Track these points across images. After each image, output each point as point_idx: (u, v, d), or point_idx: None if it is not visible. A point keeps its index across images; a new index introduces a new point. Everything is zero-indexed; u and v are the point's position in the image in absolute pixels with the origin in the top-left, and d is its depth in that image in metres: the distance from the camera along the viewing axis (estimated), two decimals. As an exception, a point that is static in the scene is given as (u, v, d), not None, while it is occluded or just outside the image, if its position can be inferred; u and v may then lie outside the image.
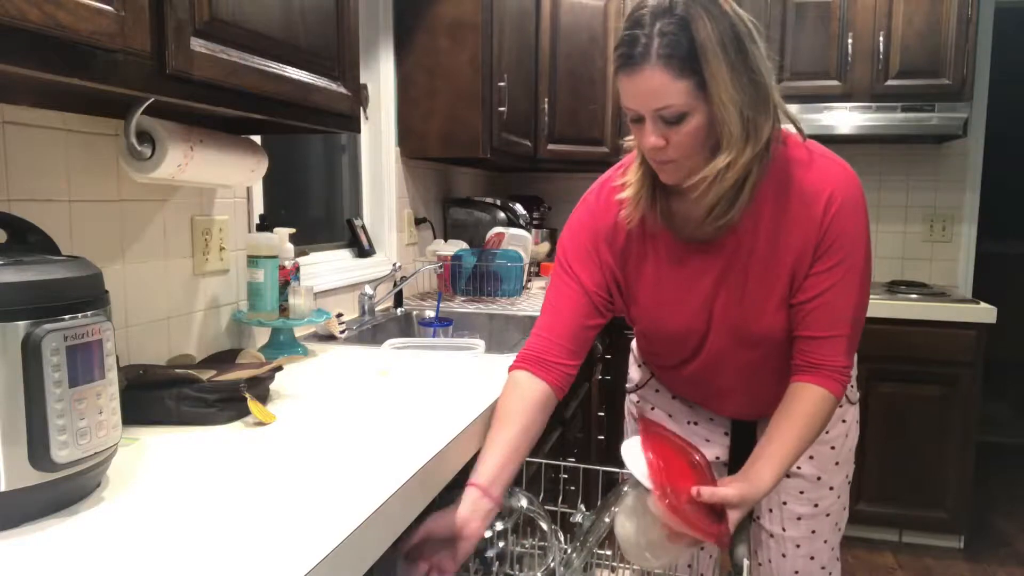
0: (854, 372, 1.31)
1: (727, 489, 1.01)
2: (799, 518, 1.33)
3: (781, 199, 1.10)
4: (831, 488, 1.33)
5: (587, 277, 1.23)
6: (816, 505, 1.33)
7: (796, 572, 1.35)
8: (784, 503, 1.34)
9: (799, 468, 1.32)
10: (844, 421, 1.33)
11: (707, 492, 0.99)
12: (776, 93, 1.04)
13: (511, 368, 1.22)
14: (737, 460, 1.35)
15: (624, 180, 1.18)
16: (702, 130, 1.00)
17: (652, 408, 1.47)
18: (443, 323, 1.97)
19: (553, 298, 1.28)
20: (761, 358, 1.22)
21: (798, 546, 1.34)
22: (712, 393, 1.34)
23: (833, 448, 1.32)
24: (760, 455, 1.08)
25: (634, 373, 1.54)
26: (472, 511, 1.04)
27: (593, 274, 1.23)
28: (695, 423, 1.43)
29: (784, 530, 1.34)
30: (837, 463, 1.33)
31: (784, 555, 1.35)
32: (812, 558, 1.34)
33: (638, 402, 1.51)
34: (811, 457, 1.32)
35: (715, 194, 1.05)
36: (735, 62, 0.97)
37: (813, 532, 1.33)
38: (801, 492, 1.33)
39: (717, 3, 0.97)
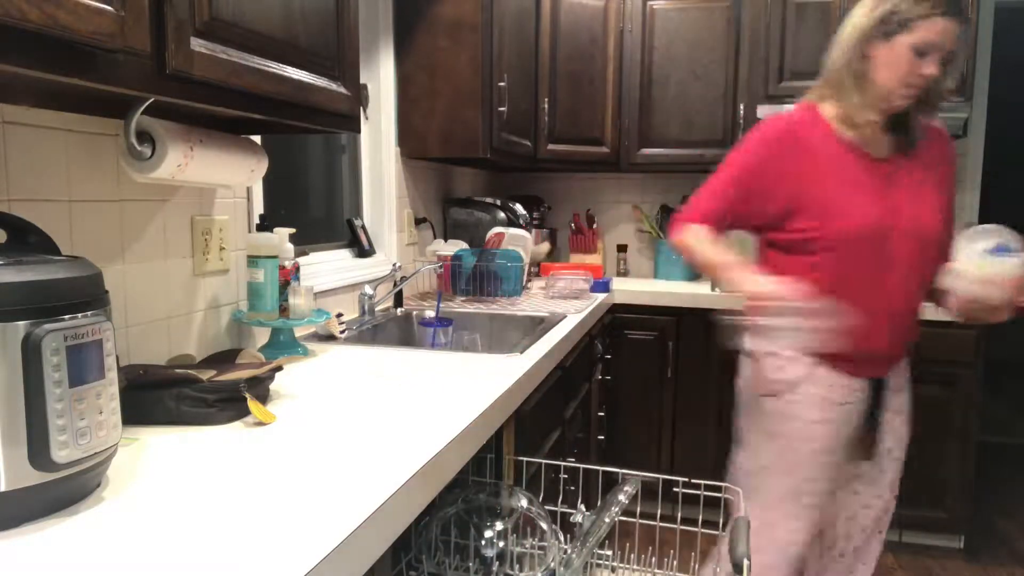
0: None
1: None
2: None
3: (934, 133, 1.62)
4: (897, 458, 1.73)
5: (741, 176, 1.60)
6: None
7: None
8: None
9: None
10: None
11: None
12: None
13: (684, 221, 1.62)
14: (871, 419, 1.63)
15: (832, 113, 1.57)
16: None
17: (794, 402, 1.58)
18: (443, 323, 1.97)
19: (714, 183, 1.62)
20: (931, 265, 1.57)
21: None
22: (874, 308, 1.54)
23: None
24: None
25: (789, 370, 1.58)
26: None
27: (763, 185, 1.57)
28: (846, 403, 1.58)
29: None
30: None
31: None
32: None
33: (780, 405, 1.59)
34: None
35: (927, 108, 1.54)
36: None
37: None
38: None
39: None
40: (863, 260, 1.52)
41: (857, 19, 1.50)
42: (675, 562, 1.23)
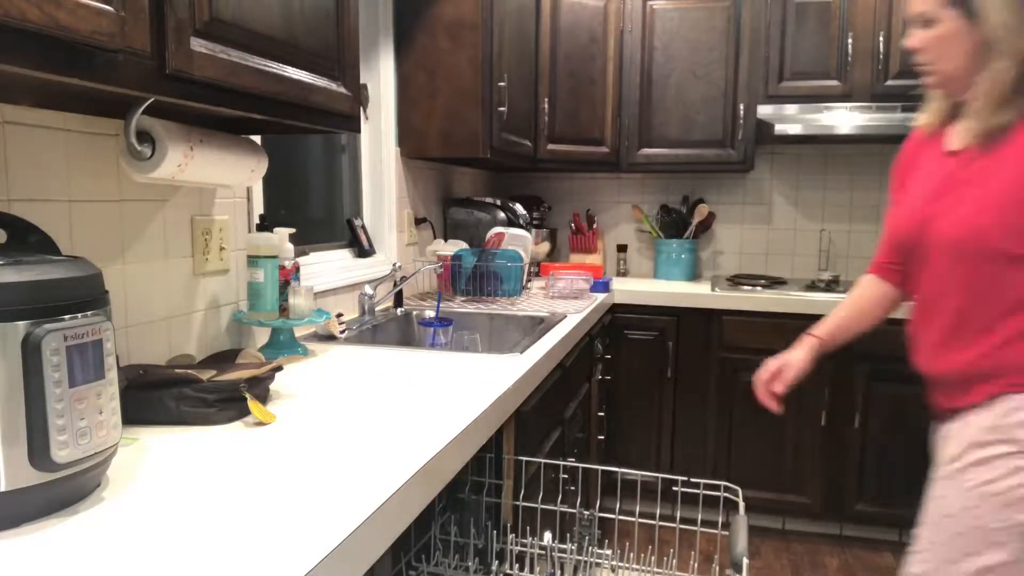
0: None
1: None
2: None
3: None
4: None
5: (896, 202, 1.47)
6: None
7: None
8: None
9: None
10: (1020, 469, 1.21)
11: None
12: None
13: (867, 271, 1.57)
14: None
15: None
16: (951, 40, 1.26)
17: None
18: (443, 323, 1.97)
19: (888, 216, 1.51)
20: (974, 285, 1.27)
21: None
22: (927, 325, 1.38)
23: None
24: None
25: None
26: (801, 351, 1.51)
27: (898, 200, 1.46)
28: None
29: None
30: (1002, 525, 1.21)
31: None
32: None
33: None
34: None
35: (980, 103, 1.26)
36: None
37: None
38: None
39: None
40: (911, 275, 1.40)
41: None
42: (674, 561, 1.23)
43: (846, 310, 1.56)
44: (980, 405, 1.27)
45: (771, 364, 1.54)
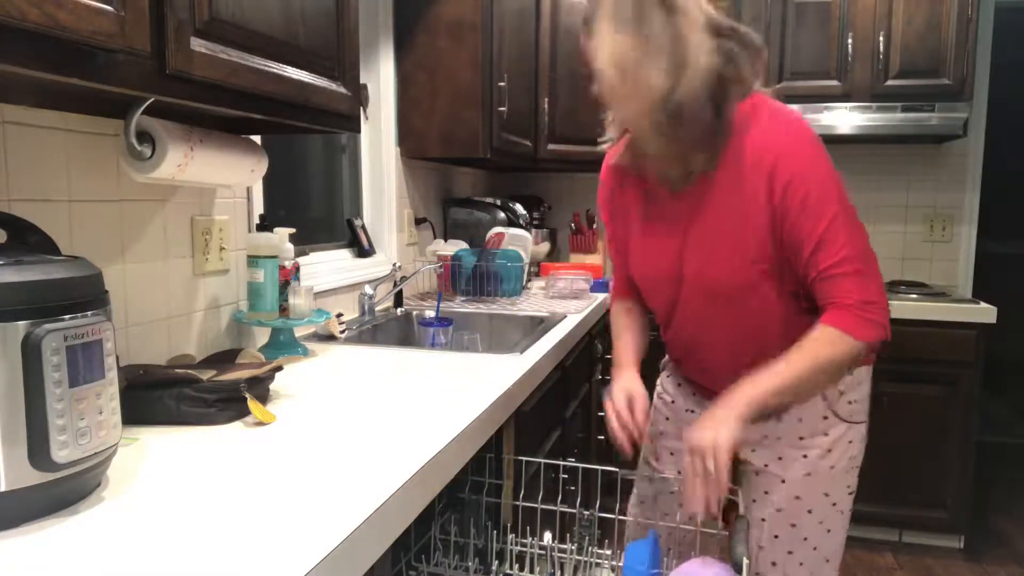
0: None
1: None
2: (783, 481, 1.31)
3: (738, 159, 1.17)
4: (796, 497, 1.30)
5: (609, 234, 1.45)
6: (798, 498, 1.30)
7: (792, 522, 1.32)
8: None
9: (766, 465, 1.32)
10: (826, 435, 1.28)
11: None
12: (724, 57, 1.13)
13: (612, 300, 1.53)
14: None
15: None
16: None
17: (665, 391, 1.53)
18: (443, 323, 1.97)
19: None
20: (739, 322, 1.25)
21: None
22: (702, 362, 1.38)
23: (805, 456, 1.29)
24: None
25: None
26: (633, 380, 1.34)
27: (612, 231, 1.44)
28: (692, 411, 1.46)
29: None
30: (808, 474, 1.29)
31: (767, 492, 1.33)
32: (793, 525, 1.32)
33: (660, 384, 1.56)
34: (780, 458, 1.31)
35: (654, 146, 1.21)
36: (677, 16, 1.09)
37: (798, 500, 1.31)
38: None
39: None
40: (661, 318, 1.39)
41: None
42: (674, 562, 1.23)
43: (633, 336, 1.44)
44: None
45: (619, 401, 1.29)
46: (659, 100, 1.12)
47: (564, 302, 2.44)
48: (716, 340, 1.31)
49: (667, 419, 1.50)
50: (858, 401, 1.31)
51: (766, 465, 1.33)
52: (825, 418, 1.29)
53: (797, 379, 1.13)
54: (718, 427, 1.09)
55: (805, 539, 1.32)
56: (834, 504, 1.31)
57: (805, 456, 1.29)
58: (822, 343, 1.13)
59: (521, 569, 1.29)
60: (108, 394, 0.81)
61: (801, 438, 1.30)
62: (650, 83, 1.11)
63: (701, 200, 1.22)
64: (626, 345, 1.44)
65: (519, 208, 2.85)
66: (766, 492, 1.33)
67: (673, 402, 1.50)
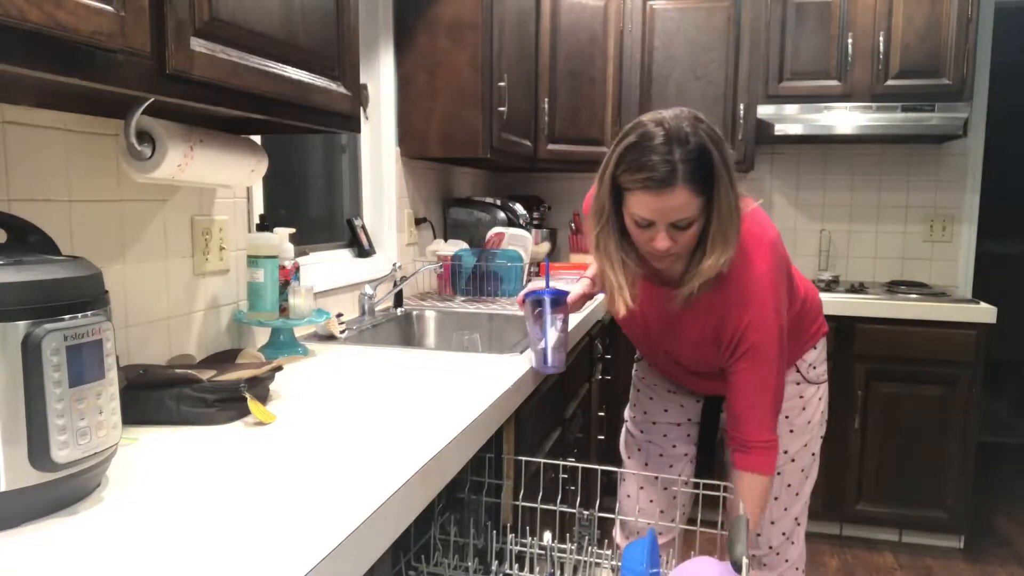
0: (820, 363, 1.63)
1: None
2: None
3: (724, 288, 1.36)
4: (784, 451, 1.56)
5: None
6: None
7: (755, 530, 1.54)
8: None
9: None
10: (801, 397, 1.59)
11: None
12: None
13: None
14: (707, 421, 1.68)
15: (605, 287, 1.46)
16: (698, 234, 1.29)
17: (644, 377, 1.78)
18: (554, 293, 1.53)
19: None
20: (706, 369, 1.51)
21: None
22: (679, 377, 1.65)
23: (787, 417, 1.57)
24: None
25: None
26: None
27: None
28: (673, 391, 1.72)
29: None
30: (792, 431, 1.57)
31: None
32: (772, 523, 1.59)
33: (638, 370, 1.82)
34: None
35: (697, 282, 1.32)
36: (732, 180, 1.26)
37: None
38: None
39: (716, 131, 1.24)
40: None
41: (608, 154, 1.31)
42: (674, 561, 1.23)
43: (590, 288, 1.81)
44: None
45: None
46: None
47: (564, 302, 2.43)
48: (691, 375, 1.58)
49: (651, 400, 1.75)
50: (820, 365, 1.63)
51: None
52: (798, 384, 1.59)
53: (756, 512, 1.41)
54: None
55: (788, 485, 1.59)
56: (813, 454, 1.61)
57: (787, 417, 1.57)
58: (762, 490, 1.40)
59: (521, 569, 1.29)
60: (108, 394, 0.81)
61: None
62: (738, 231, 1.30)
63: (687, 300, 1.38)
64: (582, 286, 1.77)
65: (519, 208, 2.85)
66: None
67: (644, 378, 1.77)
